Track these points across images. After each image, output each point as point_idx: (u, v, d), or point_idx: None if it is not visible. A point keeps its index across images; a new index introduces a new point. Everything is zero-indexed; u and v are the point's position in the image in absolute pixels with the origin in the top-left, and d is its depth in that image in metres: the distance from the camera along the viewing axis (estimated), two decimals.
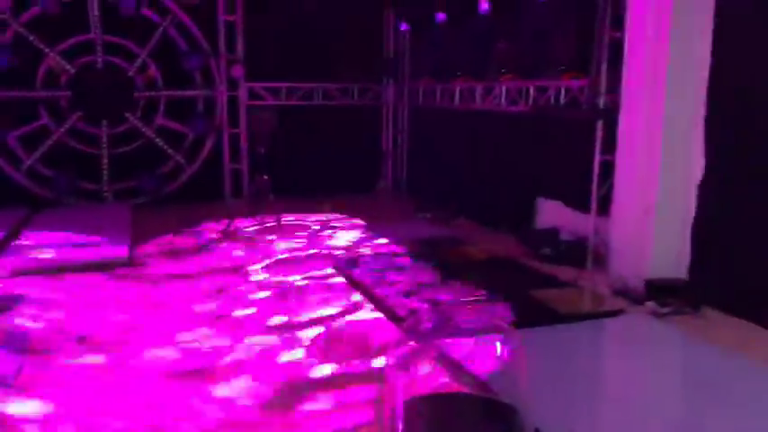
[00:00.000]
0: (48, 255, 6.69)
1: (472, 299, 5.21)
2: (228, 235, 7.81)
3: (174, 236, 7.74)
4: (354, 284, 5.83)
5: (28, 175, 9.21)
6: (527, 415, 1.29)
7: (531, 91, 7.53)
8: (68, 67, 9.15)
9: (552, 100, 7.19)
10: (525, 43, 7.74)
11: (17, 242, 7.22)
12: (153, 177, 9.63)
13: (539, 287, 5.60)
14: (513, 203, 7.93)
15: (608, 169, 6.14)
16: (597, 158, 6.24)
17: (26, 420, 3.41)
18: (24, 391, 3.71)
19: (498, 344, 2.37)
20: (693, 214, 5.38)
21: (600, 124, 6.22)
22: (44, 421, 3.39)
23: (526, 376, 1.90)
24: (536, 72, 7.49)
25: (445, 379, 3.12)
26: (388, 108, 11.20)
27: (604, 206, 6.20)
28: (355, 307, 5.28)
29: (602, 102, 6.23)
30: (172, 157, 9.76)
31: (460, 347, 3.24)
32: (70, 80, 9.22)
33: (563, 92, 7.01)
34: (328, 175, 10.39)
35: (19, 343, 4.42)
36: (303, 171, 10.10)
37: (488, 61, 8.29)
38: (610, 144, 6.08)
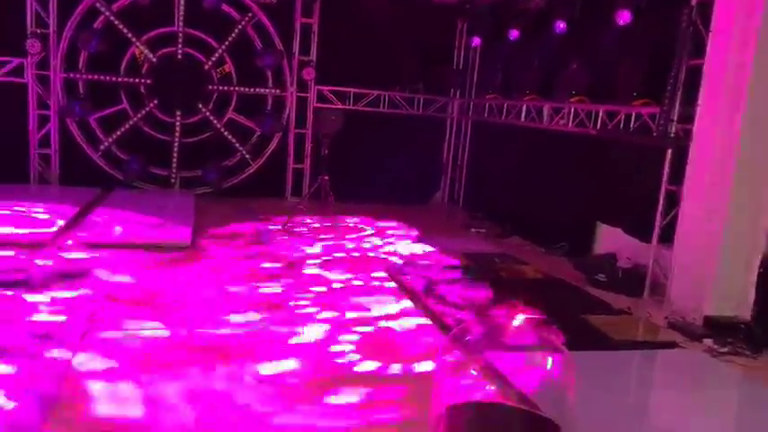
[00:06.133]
0: (116, 232, 7.04)
1: (522, 316, 5.17)
2: (287, 231, 8.00)
3: (234, 227, 7.99)
4: (405, 290, 5.89)
5: (104, 157, 9.68)
6: None
7: (601, 114, 7.42)
8: (151, 56, 9.59)
9: (622, 125, 7.06)
10: (598, 66, 7.63)
11: (89, 218, 7.62)
12: (217, 169, 9.95)
13: (592, 312, 5.51)
14: (571, 226, 7.82)
15: (673, 199, 5.99)
16: (664, 187, 6.10)
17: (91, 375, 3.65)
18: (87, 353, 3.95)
19: (549, 360, 2.38)
20: (761, 254, 5.19)
21: (669, 153, 6.08)
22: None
23: (574, 396, 1.91)
24: (607, 96, 7.38)
25: (490, 389, 3.13)
26: (452, 121, 11.23)
27: (666, 236, 6.05)
28: (404, 312, 5.33)
29: (673, 130, 6.09)
30: (238, 151, 10.07)
31: (507, 361, 3.24)
32: (151, 68, 9.67)
33: (633, 117, 6.88)
34: (387, 181, 10.50)
35: (85, 309, 4.68)
36: (363, 175, 10.24)
37: (559, 81, 8.22)
38: (677, 174, 5.93)
